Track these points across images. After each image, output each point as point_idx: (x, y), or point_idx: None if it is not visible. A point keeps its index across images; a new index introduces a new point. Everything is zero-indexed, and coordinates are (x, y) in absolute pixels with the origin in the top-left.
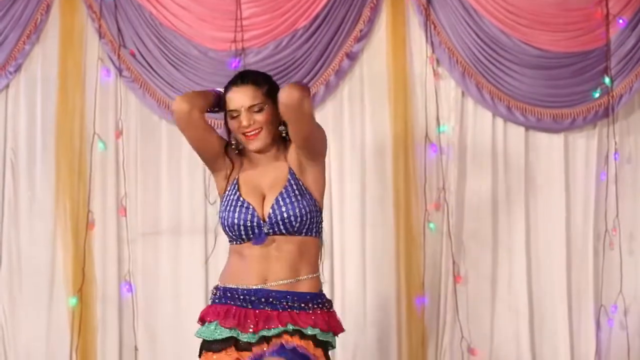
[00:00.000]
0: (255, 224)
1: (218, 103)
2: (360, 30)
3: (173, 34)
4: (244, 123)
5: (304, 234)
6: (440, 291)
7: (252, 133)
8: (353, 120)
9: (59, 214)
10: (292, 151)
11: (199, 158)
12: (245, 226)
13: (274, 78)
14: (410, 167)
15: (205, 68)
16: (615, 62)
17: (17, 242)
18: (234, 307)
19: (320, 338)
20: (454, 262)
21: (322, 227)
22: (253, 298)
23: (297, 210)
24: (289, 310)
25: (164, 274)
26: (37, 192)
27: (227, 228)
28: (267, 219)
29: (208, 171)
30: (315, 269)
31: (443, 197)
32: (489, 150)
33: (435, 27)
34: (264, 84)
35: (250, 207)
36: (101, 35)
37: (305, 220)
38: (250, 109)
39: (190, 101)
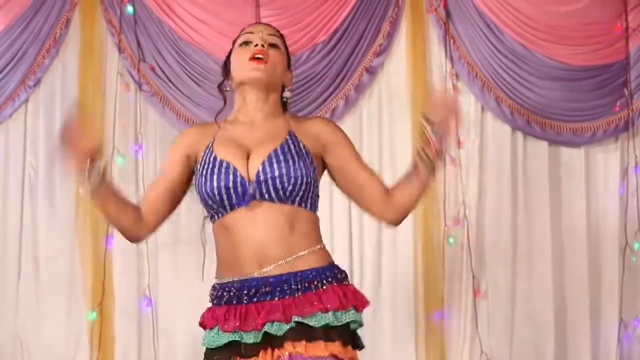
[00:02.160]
0: (238, 183)
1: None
2: (380, 45)
3: (192, 48)
4: (258, 41)
5: (296, 203)
6: (460, 305)
7: (261, 57)
8: (372, 134)
9: (78, 228)
10: (311, 129)
11: None
12: (226, 188)
13: (294, 93)
14: None
15: None
16: (635, 76)
17: (36, 257)
18: (233, 306)
19: (335, 324)
20: (473, 277)
21: (318, 201)
22: (252, 291)
23: (291, 171)
24: (292, 295)
25: (183, 288)
26: (57, 207)
27: (205, 195)
28: (253, 178)
29: None
30: (315, 241)
31: (463, 212)
32: (508, 165)
33: (454, 41)
34: (284, 41)
35: (231, 165)
36: (121, 50)
37: (300, 185)
38: (267, 36)
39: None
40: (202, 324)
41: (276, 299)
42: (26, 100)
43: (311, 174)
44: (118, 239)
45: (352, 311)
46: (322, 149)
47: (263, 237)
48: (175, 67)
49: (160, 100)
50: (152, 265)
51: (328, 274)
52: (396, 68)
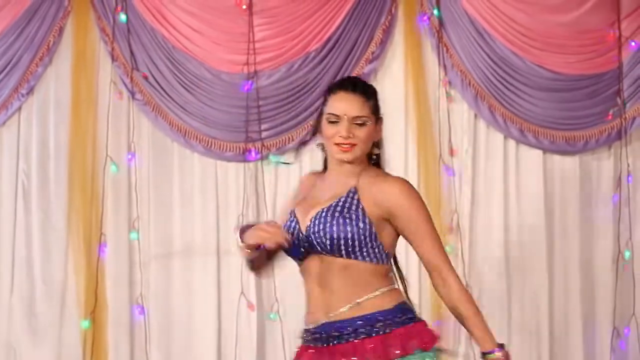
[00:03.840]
0: (296, 236)
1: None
2: (372, 53)
3: (185, 56)
4: (343, 133)
5: (345, 256)
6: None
7: (347, 146)
8: None
9: (71, 236)
10: (381, 193)
11: (210, 180)
12: (292, 241)
13: (287, 101)
14: (422, 190)
15: (218, 91)
16: (628, 85)
17: (29, 265)
18: (312, 348)
19: None
20: (467, 285)
21: (381, 253)
22: (323, 335)
23: (327, 229)
24: (356, 339)
25: (176, 297)
26: (50, 215)
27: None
28: (304, 232)
29: (220, 193)
30: (375, 287)
31: (456, 221)
32: (501, 173)
33: (447, 49)
34: (373, 98)
35: (295, 219)
36: (114, 58)
37: (337, 241)
38: (353, 120)
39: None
40: None
41: (340, 344)
42: (19, 109)
43: (355, 233)
44: (111, 248)
45: (418, 354)
46: (388, 214)
47: (323, 285)
48: (168, 76)
49: (153, 109)
50: (144, 274)
51: (400, 316)
52: (389, 76)
